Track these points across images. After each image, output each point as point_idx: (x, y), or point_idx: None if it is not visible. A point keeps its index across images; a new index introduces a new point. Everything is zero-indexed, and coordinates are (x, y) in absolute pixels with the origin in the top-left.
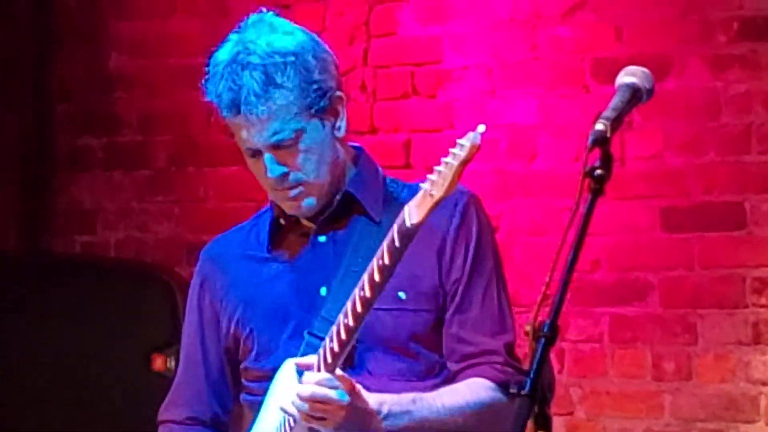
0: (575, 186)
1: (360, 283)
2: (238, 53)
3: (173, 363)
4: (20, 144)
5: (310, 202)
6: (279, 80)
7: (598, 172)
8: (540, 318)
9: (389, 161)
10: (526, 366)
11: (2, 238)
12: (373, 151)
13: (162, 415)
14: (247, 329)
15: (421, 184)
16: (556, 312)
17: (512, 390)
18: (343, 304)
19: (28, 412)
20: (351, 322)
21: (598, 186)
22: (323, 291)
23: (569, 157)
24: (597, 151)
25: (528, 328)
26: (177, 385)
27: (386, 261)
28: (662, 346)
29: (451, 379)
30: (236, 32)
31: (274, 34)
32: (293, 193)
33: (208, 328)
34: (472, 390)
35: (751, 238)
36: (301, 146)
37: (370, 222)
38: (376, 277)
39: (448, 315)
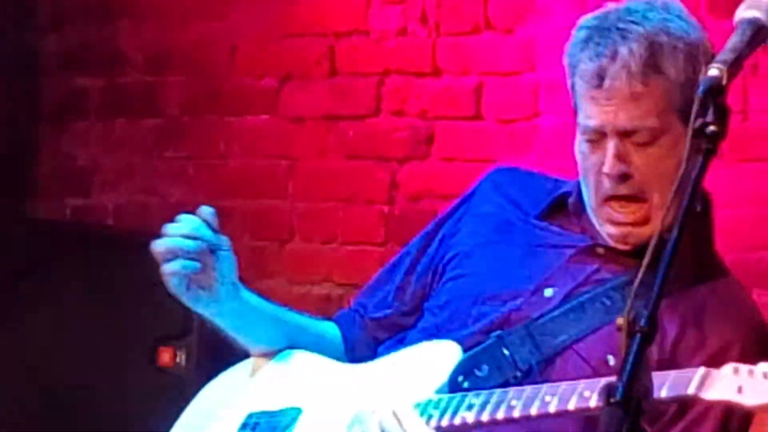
0: None
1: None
2: (627, 24)
3: (184, 358)
4: (3, 87)
5: (640, 233)
6: (663, 64)
7: (711, 128)
8: (635, 309)
9: (455, 111)
10: None
11: None
12: (437, 98)
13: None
14: (456, 272)
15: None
16: (655, 302)
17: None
18: (560, 325)
19: (8, 417)
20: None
21: (710, 146)
22: (549, 293)
23: None
24: (711, 102)
25: (620, 320)
26: (381, 278)
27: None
28: None
29: None
30: (607, 7)
31: (669, 14)
32: (626, 214)
33: (431, 243)
34: None
35: None
36: (654, 150)
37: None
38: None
39: None
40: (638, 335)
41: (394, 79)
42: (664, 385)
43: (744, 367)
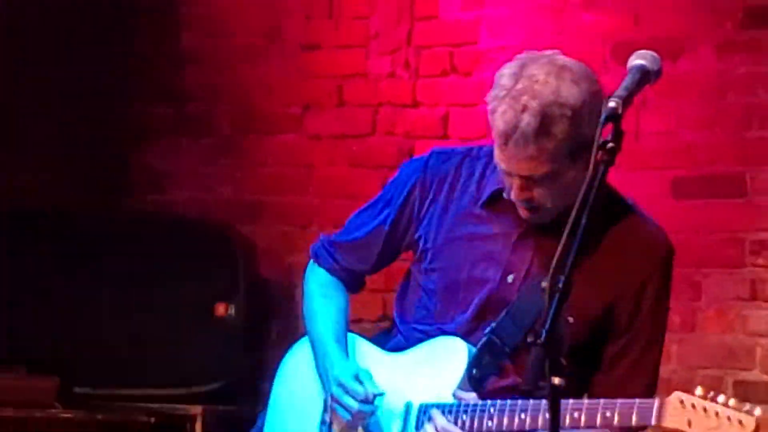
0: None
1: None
2: (525, 90)
3: (234, 310)
4: (99, 112)
5: (540, 219)
6: (553, 130)
7: (610, 145)
8: (555, 275)
9: (429, 132)
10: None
11: (86, 198)
12: (415, 123)
13: (326, 248)
14: (435, 265)
15: (698, 401)
16: (570, 270)
17: (529, 339)
18: (526, 305)
19: (102, 359)
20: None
21: (609, 157)
22: (510, 278)
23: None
24: (610, 126)
25: (544, 284)
26: (351, 242)
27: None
28: (670, 301)
29: None
30: (528, 60)
31: (560, 80)
32: (529, 214)
33: (402, 216)
34: None
35: (750, 205)
36: (548, 183)
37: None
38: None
39: (601, 367)
40: (557, 295)
41: (385, 109)
42: (633, 413)
43: (688, 400)
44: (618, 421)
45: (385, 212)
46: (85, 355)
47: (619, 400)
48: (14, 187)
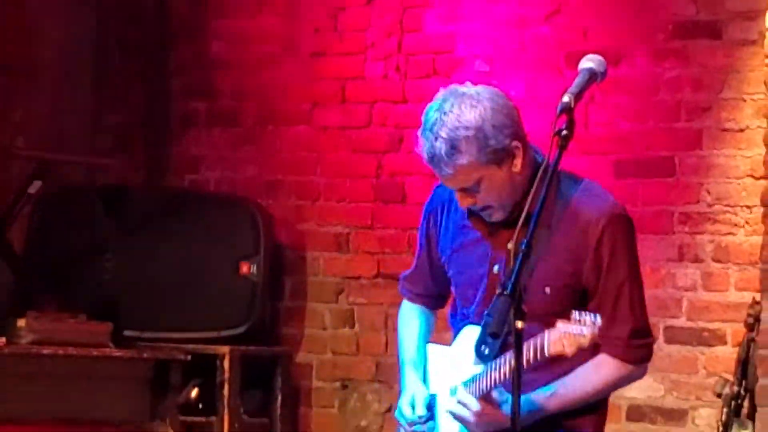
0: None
1: (503, 367)
2: (435, 122)
3: (255, 268)
4: (147, 108)
5: (497, 217)
6: (462, 149)
7: (564, 132)
8: (519, 239)
9: (415, 124)
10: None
11: (134, 177)
12: (404, 116)
13: (402, 284)
14: (451, 272)
15: (560, 325)
16: (531, 233)
17: (497, 291)
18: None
19: (148, 308)
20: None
21: (563, 143)
22: (497, 269)
23: (548, 123)
24: (564, 118)
25: (510, 246)
26: (412, 274)
27: (524, 364)
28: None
29: None
30: (441, 96)
31: (462, 106)
32: (482, 213)
33: (429, 244)
34: (601, 370)
35: (678, 183)
36: (482, 187)
37: (541, 227)
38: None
39: (589, 308)
40: (521, 255)
41: (380, 105)
42: (535, 348)
43: (564, 327)
44: (533, 357)
45: (419, 245)
46: (134, 305)
47: (531, 340)
48: (88, 169)
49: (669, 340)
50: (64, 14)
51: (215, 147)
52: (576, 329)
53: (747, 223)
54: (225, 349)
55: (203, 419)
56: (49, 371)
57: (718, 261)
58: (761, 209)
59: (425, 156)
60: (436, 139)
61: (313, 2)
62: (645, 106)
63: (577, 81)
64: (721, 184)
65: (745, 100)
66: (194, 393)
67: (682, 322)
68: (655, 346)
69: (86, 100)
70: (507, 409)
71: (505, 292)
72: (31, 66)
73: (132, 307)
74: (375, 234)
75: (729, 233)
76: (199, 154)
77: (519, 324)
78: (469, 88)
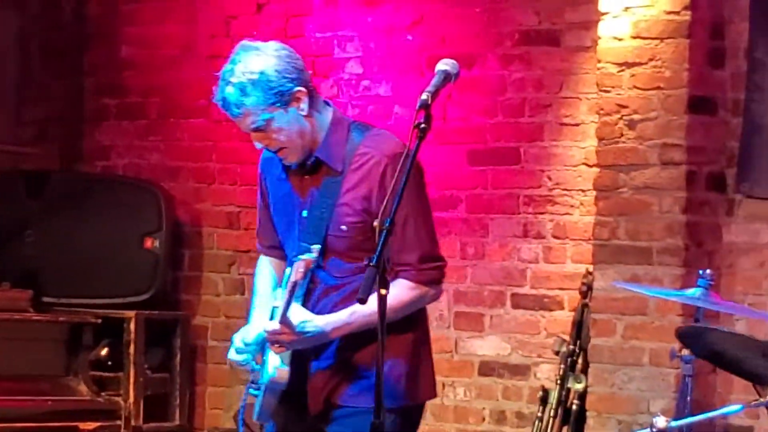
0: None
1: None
2: (226, 71)
3: (158, 243)
4: (65, 103)
5: (291, 159)
6: (248, 91)
7: (422, 125)
8: (383, 217)
9: None
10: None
11: (53, 163)
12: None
13: (257, 241)
14: (275, 220)
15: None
16: (393, 213)
17: (365, 261)
18: (311, 227)
19: (64, 278)
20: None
21: (422, 135)
22: (305, 213)
23: (411, 118)
24: (422, 113)
25: (376, 223)
26: (259, 230)
27: (287, 294)
28: (467, 237)
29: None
30: (234, 51)
31: (248, 56)
32: (278, 154)
33: (265, 200)
34: (395, 292)
35: (523, 170)
36: (274, 127)
37: (334, 172)
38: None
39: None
40: (384, 231)
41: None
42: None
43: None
44: (289, 290)
45: (258, 203)
46: (52, 275)
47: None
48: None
49: (515, 306)
50: None
51: (124, 137)
52: (303, 258)
53: (582, 204)
54: (131, 314)
55: (112, 374)
56: None
57: (557, 237)
58: (594, 193)
59: (219, 101)
60: (227, 84)
61: (210, 11)
62: (494, 103)
63: (434, 81)
64: (560, 171)
65: (580, 99)
66: (104, 351)
67: (526, 290)
68: (502, 311)
69: (11, 96)
70: (301, 327)
71: (371, 264)
72: None
73: (50, 277)
74: None
75: (566, 213)
76: (109, 144)
77: (383, 291)
78: (257, 42)
